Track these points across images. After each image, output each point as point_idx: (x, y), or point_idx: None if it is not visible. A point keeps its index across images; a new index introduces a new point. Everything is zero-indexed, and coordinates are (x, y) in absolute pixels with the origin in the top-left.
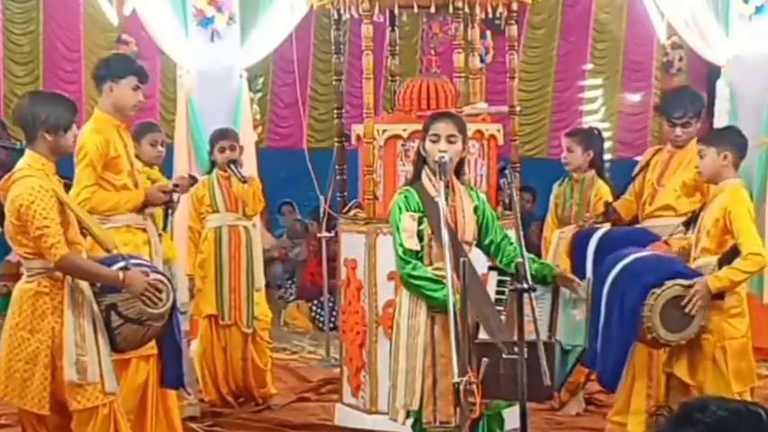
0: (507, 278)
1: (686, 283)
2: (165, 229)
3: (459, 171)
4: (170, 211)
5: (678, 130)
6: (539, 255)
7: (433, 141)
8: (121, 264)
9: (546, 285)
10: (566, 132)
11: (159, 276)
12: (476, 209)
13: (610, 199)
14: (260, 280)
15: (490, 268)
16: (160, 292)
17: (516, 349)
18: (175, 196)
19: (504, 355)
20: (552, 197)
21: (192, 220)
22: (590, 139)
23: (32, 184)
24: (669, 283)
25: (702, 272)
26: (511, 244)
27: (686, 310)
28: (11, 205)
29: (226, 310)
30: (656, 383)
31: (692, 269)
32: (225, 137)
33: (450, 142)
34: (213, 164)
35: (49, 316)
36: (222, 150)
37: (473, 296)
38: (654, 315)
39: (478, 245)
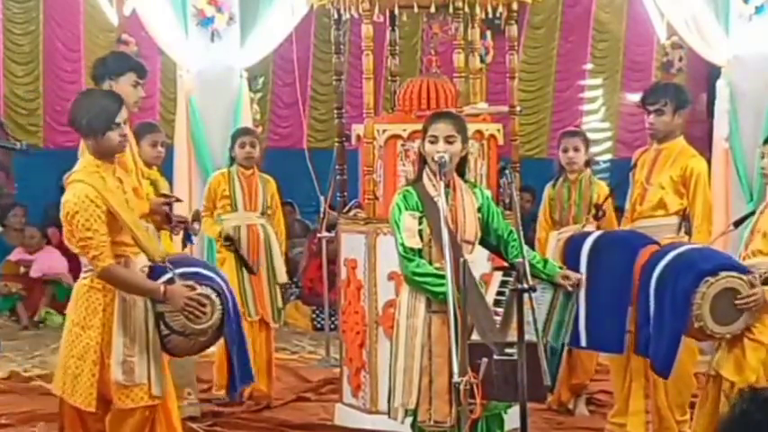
0: (511, 279)
1: (746, 277)
2: (184, 248)
3: (461, 169)
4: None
5: (651, 117)
6: None
7: (432, 142)
8: (168, 276)
9: (551, 285)
10: (568, 132)
11: (205, 291)
12: (479, 207)
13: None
14: (282, 275)
15: (495, 269)
16: (204, 306)
17: (507, 350)
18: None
19: (495, 356)
20: (545, 198)
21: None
22: (588, 139)
23: (79, 193)
24: (724, 273)
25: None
26: (515, 240)
27: (737, 303)
28: (62, 208)
29: (251, 306)
30: (653, 384)
31: (742, 264)
32: (247, 133)
33: (449, 143)
34: (232, 160)
35: (100, 312)
36: (242, 146)
37: (468, 297)
38: (705, 303)
39: (484, 242)
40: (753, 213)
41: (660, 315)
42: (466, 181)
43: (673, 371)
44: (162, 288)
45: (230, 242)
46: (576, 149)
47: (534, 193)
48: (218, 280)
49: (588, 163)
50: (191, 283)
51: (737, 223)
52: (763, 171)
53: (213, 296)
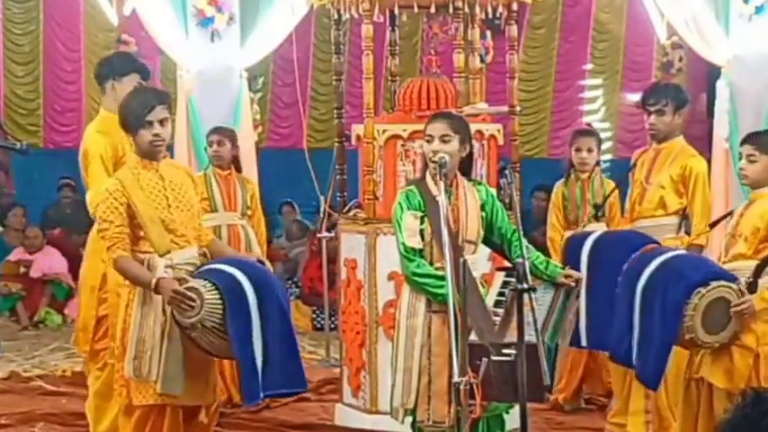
0: (513, 279)
1: (735, 286)
2: None
3: (466, 169)
4: None
5: (652, 118)
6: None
7: (428, 142)
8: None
9: (552, 285)
10: (581, 131)
11: (196, 284)
12: (483, 205)
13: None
14: None
15: (498, 269)
16: (191, 300)
17: (505, 351)
18: None
19: (493, 357)
20: (555, 197)
21: None
22: (600, 139)
23: (105, 186)
24: (714, 283)
25: (736, 275)
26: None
27: (731, 310)
28: None
29: None
30: None
31: (728, 271)
32: (215, 131)
33: (444, 141)
34: (210, 161)
35: (124, 309)
36: (210, 144)
37: (468, 298)
38: (696, 315)
39: (488, 241)
40: (730, 214)
41: (648, 326)
42: (470, 179)
43: (661, 382)
44: (154, 281)
45: None
46: (590, 150)
47: (550, 193)
48: (238, 276)
49: (599, 162)
50: (182, 276)
51: (713, 225)
52: (742, 172)
53: (204, 290)
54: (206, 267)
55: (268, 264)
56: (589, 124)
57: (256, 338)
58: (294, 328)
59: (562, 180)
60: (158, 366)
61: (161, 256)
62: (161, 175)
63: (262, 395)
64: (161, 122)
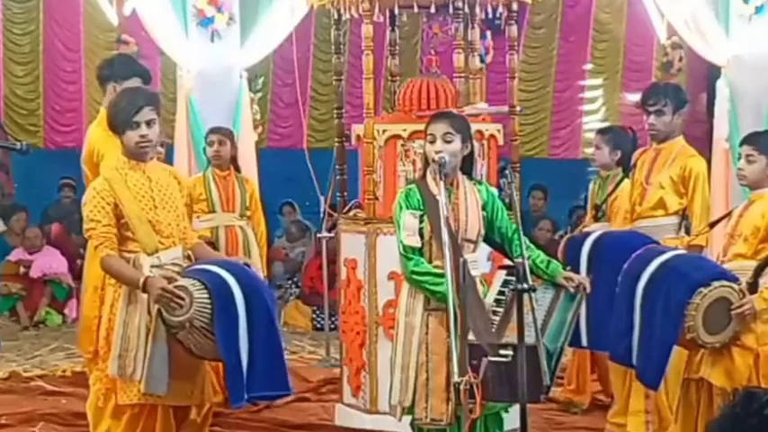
0: (514, 279)
1: (736, 286)
2: None
3: (468, 168)
4: None
5: (652, 118)
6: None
7: (430, 142)
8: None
9: (553, 285)
10: (598, 129)
11: (185, 282)
12: (484, 205)
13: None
14: None
15: (500, 267)
16: (180, 299)
17: (502, 351)
18: None
19: (489, 358)
20: (590, 194)
21: None
22: (620, 138)
23: (93, 185)
24: (716, 283)
25: (737, 275)
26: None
27: (732, 311)
28: None
29: None
30: None
31: (730, 271)
32: (214, 131)
33: (447, 141)
34: (209, 162)
35: (109, 308)
36: (210, 144)
37: (467, 297)
38: (698, 314)
39: (489, 240)
40: (729, 214)
41: (649, 326)
42: (471, 178)
43: (662, 382)
44: (142, 279)
45: (211, 247)
46: (598, 147)
47: (546, 192)
48: (226, 277)
49: (620, 162)
50: (171, 275)
51: (712, 225)
52: (740, 172)
53: (193, 288)
54: (194, 267)
55: (255, 267)
56: (624, 126)
57: (242, 340)
58: (280, 332)
59: (594, 178)
60: (143, 366)
61: (149, 255)
62: (148, 176)
63: (246, 397)
64: (148, 124)
